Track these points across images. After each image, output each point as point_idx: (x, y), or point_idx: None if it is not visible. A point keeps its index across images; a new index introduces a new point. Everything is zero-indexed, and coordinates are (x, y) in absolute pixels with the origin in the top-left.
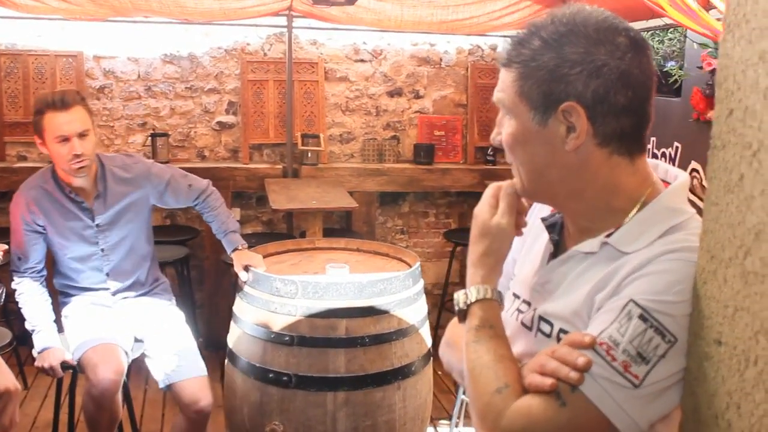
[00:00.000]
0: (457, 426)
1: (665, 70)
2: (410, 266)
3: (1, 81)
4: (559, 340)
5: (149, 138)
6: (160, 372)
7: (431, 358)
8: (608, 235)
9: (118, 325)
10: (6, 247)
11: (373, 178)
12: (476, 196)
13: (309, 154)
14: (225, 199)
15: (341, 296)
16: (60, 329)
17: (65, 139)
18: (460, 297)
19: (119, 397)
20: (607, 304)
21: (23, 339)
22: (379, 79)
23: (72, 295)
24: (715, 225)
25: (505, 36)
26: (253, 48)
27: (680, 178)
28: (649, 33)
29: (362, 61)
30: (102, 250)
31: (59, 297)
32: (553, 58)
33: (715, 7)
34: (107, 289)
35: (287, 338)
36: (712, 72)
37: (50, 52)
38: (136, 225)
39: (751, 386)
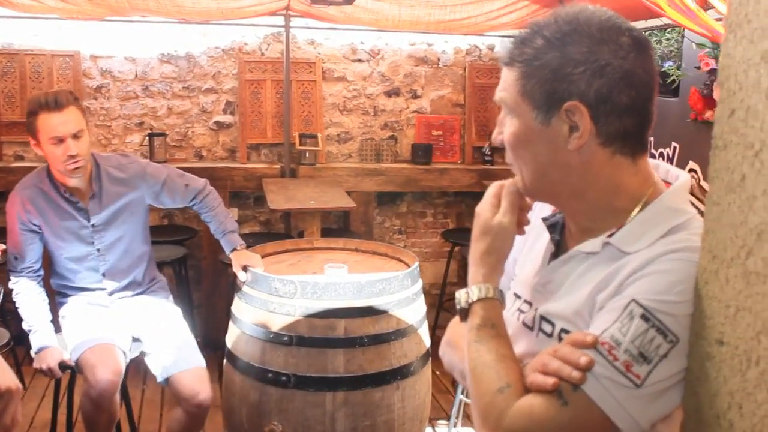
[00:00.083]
0: (455, 426)
1: (663, 70)
2: (409, 266)
3: None
4: (560, 340)
5: (146, 138)
6: (158, 367)
7: (430, 358)
8: (610, 235)
9: (115, 325)
10: (4, 247)
11: (371, 178)
12: (474, 196)
13: (307, 154)
14: (222, 199)
15: (340, 296)
16: (57, 329)
17: (60, 140)
18: (461, 296)
19: (117, 397)
20: (608, 303)
21: (20, 339)
22: (376, 79)
23: (69, 295)
24: (717, 225)
25: (502, 36)
26: (250, 48)
27: (681, 178)
28: (647, 33)
29: (360, 60)
30: (98, 250)
31: (56, 297)
32: (556, 57)
33: (713, 7)
34: (103, 289)
35: (286, 338)
36: (710, 72)
37: (47, 51)
38: (132, 225)
39: (753, 386)
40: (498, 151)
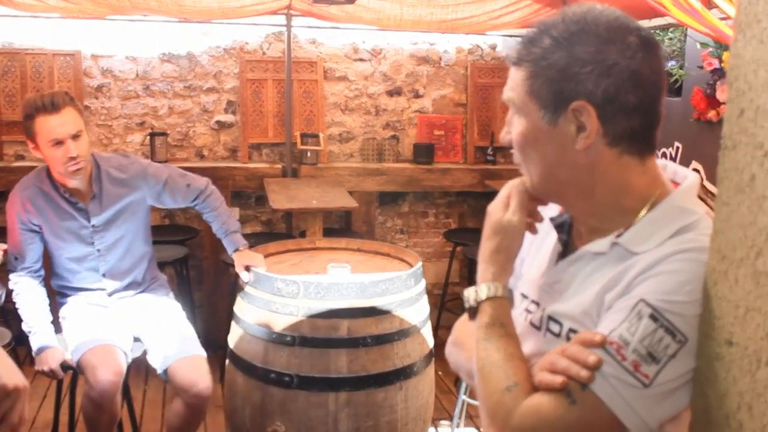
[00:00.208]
0: (458, 426)
1: (666, 69)
2: (411, 266)
3: None
4: (568, 339)
5: (148, 137)
6: (157, 360)
7: (433, 359)
8: (618, 236)
9: (115, 325)
10: (5, 246)
11: (373, 178)
12: (476, 196)
13: (308, 154)
14: (224, 198)
15: (343, 296)
16: (58, 330)
17: (59, 142)
18: (470, 294)
19: (118, 397)
20: (617, 303)
21: (21, 339)
22: (378, 79)
23: (68, 296)
24: (726, 225)
25: (505, 35)
26: (251, 47)
27: (690, 178)
28: None
29: (361, 60)
30: (98, 250)
31: (57, 297)
32: (563, 56)
33: (716, 6)
34: (103, 289)
35: (289, 338)
36: (713, 72)
37: (48, 50)
38: (133, 225)
39: (763, 387)
40: (500, 150)
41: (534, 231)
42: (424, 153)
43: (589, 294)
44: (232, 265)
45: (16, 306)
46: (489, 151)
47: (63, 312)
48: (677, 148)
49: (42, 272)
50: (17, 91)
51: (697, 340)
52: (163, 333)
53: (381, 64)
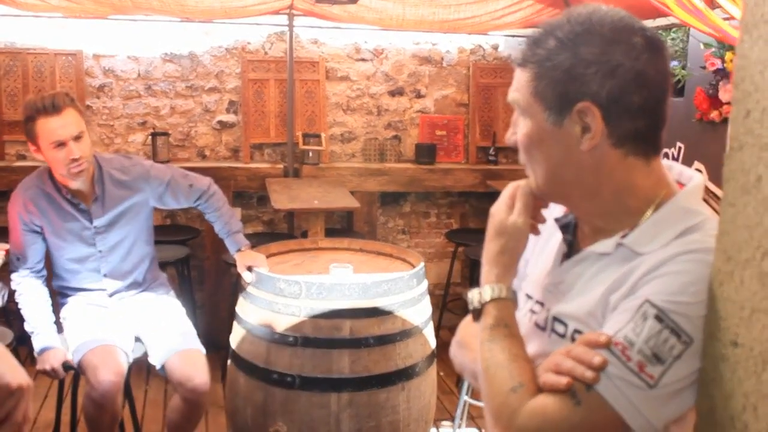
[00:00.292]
0: (459, 427)
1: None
2: (414, 267)
3: (0, 80)
4: (573, 340)
5: (149, 137)
6: (156, 356)
7: (435, 359)
8: (623, 236)
9: (116, 325)
10: (7, 247)
11: (375, 178)
12: (478, 196)
13: (310, 154)
14: (226, 198)
15: (345, 297)
16: (59, 330)
17: (61, 144)
18: (474, 296)
19: (120, 398)
20: (622, 304)
21: (23, 339)
22: (380, 79)
23: (68, 296)
24: (732, 226)
25: (507, 35)
26: (253, 47)
27: (695, 179)
28: None
29: (363, 60)
30: (100, 251)
31: (57, 298)
32: (568, 58)
33: (720, 6)
34: (104, 290)
35: (291, 339)
36: (716, 72)
37: (50, 50)
38: (135, 227)
39: None
40: (502, 150)
41: (536, 232)
42: (425, 153)
43: (594, 295)
44: (234, 265)
45: (19, 306)
46: (491, 151)
47: (63, 312)
48: (679, 148)
49: (44, 272)
50: (19, 91)
51: (702, 341)
52: (162, 330)
53: (383, 64)
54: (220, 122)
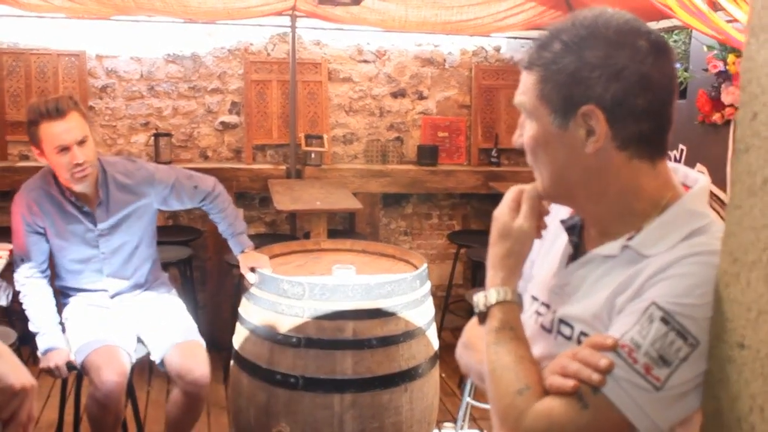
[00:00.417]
0: (462, 429)
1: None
2: (417, 268)
3: (3, 80)
4: (579, 343)
5: (152, 138)
6: (157, 350)
7: (437, 361)
8: (629, 239)
9: (118, 325)
10: (11, 247)
11: (377, 180)
12: (480, 198)
13: (312, 155)
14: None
15: (348, 298)
16: (63, 330)
17: (65, 149)
18: (479, 299)
19: (123, 398)
20: (628, 306)
21: (26, 339)
22: (382, 80)
23: (70, 296)
24: (738, 228)
25: (509, 37)
26: (256, 48)
27: (701, 182)
28: None
29: (366, 61)
30: (102, 253)
31: (59, 297)
32: (573, 61)
33: (722, 9)
34: (105, 290)
35: (294, 340)
36: (718, 74)
37: (53, 51)
38: (139, 230)
39: None
40: (504, 152)
41: (539, 236)
42: (428, 155)
43: (600, 297)
44: (237, 266)
45: (23, 307)
46: (493, 152)
47: (65, 313)
48: (682, 150)
49: (48, 272)
50: (22, 91)
51: (708, 343)
52: (162, 326)
53: (385, 65)
54: (222, 123)
